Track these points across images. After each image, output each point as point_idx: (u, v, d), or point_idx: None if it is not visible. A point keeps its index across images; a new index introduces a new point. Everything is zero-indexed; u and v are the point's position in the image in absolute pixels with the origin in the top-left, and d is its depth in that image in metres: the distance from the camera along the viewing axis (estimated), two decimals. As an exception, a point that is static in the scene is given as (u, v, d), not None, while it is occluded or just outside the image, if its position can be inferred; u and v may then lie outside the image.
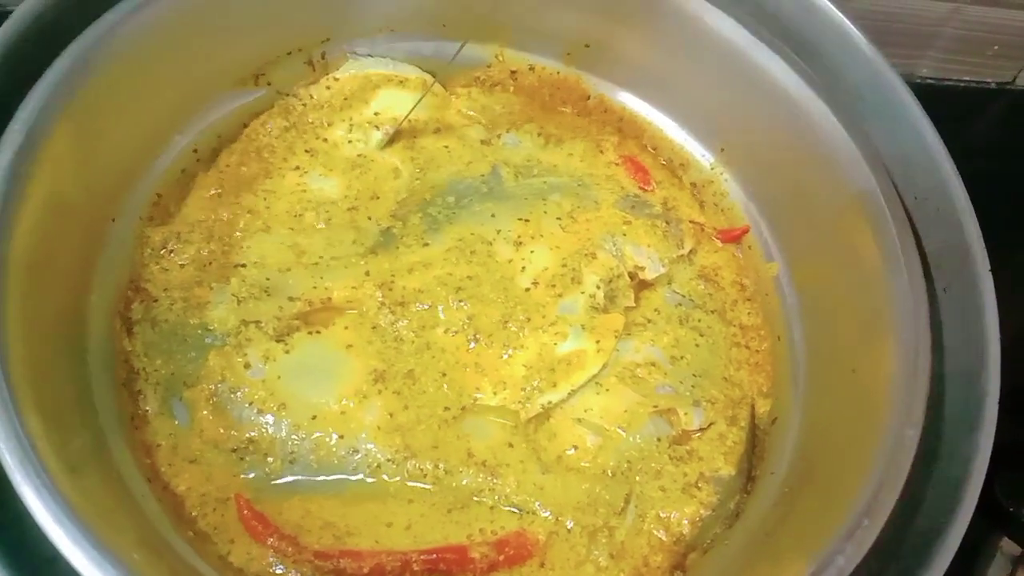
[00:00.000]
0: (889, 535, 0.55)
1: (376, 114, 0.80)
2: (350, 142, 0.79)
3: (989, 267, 0.65)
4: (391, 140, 0.79)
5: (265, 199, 0.74)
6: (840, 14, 0.73)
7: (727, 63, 0.75)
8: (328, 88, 0.80)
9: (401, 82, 0.82)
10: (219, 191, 0.74)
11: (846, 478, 0.56)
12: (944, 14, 1.06)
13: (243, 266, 0.70)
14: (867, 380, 0.62)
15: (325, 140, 0.78)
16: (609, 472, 0.66)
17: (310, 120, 0.79)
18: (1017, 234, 1.05)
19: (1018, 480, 0.85)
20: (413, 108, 0.79)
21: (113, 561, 0.47)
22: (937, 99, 1.14)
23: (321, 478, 0.63)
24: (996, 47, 1.12)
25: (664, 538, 0.64)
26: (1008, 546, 0.82)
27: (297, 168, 0.76)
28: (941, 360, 0.65)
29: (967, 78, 1.16)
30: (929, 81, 1.15)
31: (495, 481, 0.64)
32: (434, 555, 0.60)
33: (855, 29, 0.73)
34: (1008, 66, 1.15)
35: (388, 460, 0.63)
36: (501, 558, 0.61)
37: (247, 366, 0.65)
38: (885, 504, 0.53)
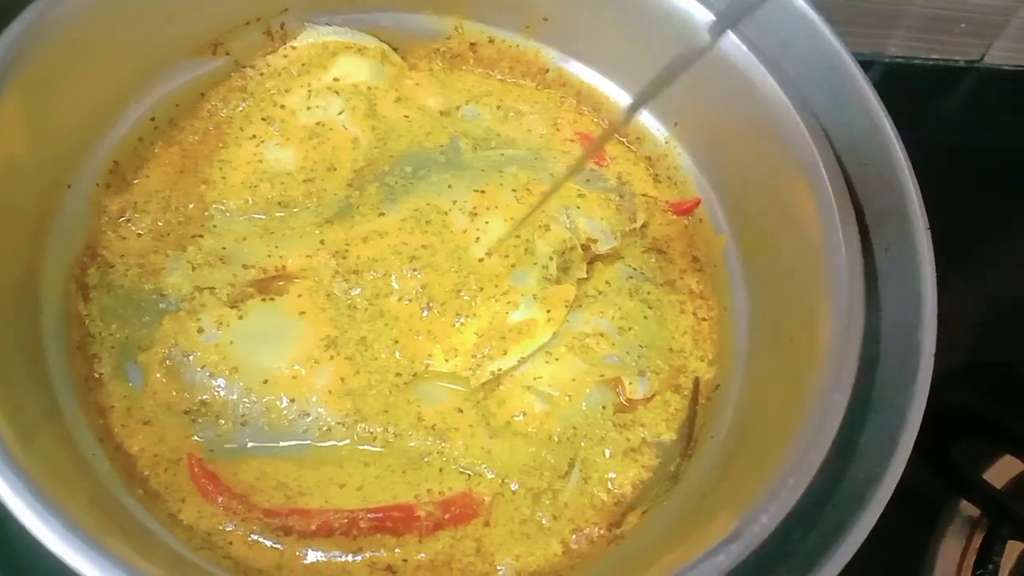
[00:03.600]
0: (824, 484, 0.57)
1: (336, 80, 0.81)
2: (309, 108, 0.79)
3: (927, 226, 0.67)
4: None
5: (221, 169, 0.74)
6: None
7: (682, 37, 0.75)
8: (285, 56, 0.80)
9: (360, 50, 0.82)
10: (176, 161, 0.74)
11: (777, 441, 0.58)
12: (911, -8, 1.07)
13: (200, 236, 0.71)
14: (803, 348, 0.63)
15: (282, 107, 0.79)
16: (555, 437, 0.67)
17: (267, 87, 0.79)
18: (986, 210, 1.07)
19: (975, 445, 0.89)
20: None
21: (62, 517, 0.48)
22: (906, 78, 1.17)
23: (273, 442, 0.64)
24: (963, 25, 1.13)
25: (606, 499, 0.66)
26: (967, 508, 0.86)
27: (254, 137, 0.76)
28: (879, 316, 0.67)
29: (935, 56, 1.17)
30: (898, 60, 1.16)
31: (443, 444, 0.65)
32: (381, 513, 0.61)
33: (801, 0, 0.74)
34: (976, 44, 1.17)
35: (338, 423, 0.65)
36: (447, 517, 0.63)
37: (200, 331, 0.66)
38: (811, 465, 0.55)
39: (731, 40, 0.73)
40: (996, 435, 0.92)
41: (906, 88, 1.16)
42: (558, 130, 0.85)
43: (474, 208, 0.75)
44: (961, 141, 1.16)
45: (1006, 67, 1.20)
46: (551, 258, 0.73)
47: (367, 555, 0.61)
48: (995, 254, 1.09)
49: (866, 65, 1.15)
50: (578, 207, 0.77)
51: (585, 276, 0.75)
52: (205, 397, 0.64)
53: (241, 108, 0.78)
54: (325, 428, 0.65)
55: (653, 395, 0.71)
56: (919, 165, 0.70)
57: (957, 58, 1.19)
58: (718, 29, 0.52)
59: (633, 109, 0.60)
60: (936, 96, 1.19)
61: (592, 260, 0.76)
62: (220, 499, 0.61)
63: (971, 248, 1.06)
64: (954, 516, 0.86)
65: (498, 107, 0.85)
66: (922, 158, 0.70)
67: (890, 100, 0.73)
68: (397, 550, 0.61)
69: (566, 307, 0.72)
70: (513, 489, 0.65)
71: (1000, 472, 0.88)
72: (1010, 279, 1.09)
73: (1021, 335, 1.01)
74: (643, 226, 0.80)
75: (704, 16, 0.74)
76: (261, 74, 0.80)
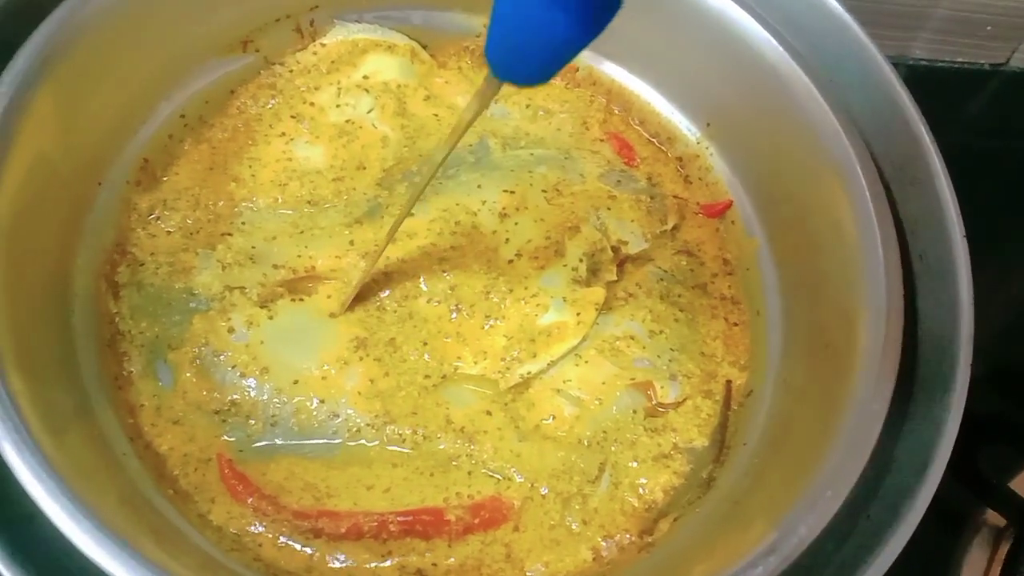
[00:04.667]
0: (859, 494, 0.56)
1: (365, 77, 0.80)
2: (338, 106, 0.79)
3: (964, 234, 0.66)
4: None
5: (251, 167, 0.74)
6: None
7: (715, 37, 0.75)
8: (315, 54, 0.80)
9: (389, 48, 0.82)
10: (206, 158, 0.74)
11: (812, 449, 0.57)
12: (937, -6, 1.06)
13: (229, 235, 0.71)
14: (839, 355, 0.62)
15: (312, 104, 0.78)
16: (585, 441, 0.67)
17: (297, 85, 0.79)
18: (1011, 215, 1.06)
19: (1002, 453, 0.87)
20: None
21: (92, 516, 0.48)
22: (931, 81, 1.16)
23: (302, 441, 0.64)
24: (989, 28, 1.12)
25: (637, 505, 0.65)
26: (993, 518, 0.84)
27: (283, 135, 0.76)
28: (915, 324, 0.66)
29: (960, 59, 1.16)
30: (922, 63, 1.15)
31: (472, 447, 0.65)
32: (410, 516, 0.61)
33: (834, 1, 0.73)
34: (1002, 47, 1.15)
35: (367, 425, 0.64)
36: (476, 521, 0.62)
37: (231, 331, 0.66)
38: (849, 476, 0.54)
39: (766, 39, 0.72)
40: (1023, 444, 0.91)
41: (930, 91, 1.14)
42: (587, 129, 0.84)
43: (504, 209, 0.74)
44: (985, 144, 1.15)
45: (1032, 71, 1.19)
46: (581, 260, 0.73)
47: (396, 559, 0.60)
48: (1018, 258, 1.08)
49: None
50: (608, 208, 0.76)
51: (615, 278, 0.74)
52: (235, 397, 0.64)
53: (271, 105, 0.78)
54: (355, 429, 0.64)
55: (684, 399, 0.70)
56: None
57: (982, 61, 1.17)
58: None
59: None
60: (960, 99, 1.18)
61: (622, 262, 0.75)
62: (250, 500, 0.60)
63: (996, 252, 1.05)
64: (980, 525, 0.85)
65: (527, 106, 0.84)
66: (945, 161, 0.69)
67: (914, 102, 0.72)
68: (427, 554, 0.60)
69: (596, 310, 0.71)
70: (543, 493, 0.64)
71: (1027, 481, 0.87)
72: (1035, 283, 1.08)
73: (1049, 340, 1.00)
74: (674, 228, 0.79)
75: (738, 14, 0.73)
76: (291, 71, 0.80)
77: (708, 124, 0.81)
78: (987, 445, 0.88)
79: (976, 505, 0.85)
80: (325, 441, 0.64)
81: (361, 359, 0.66)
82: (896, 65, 1.14)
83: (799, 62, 0.71)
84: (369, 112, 0.79)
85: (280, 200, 0.73)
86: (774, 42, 0.72)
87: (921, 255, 0.69)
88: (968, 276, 0.65)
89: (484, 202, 0.74)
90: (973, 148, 1.12)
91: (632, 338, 0.71)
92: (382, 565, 0.60)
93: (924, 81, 1.15)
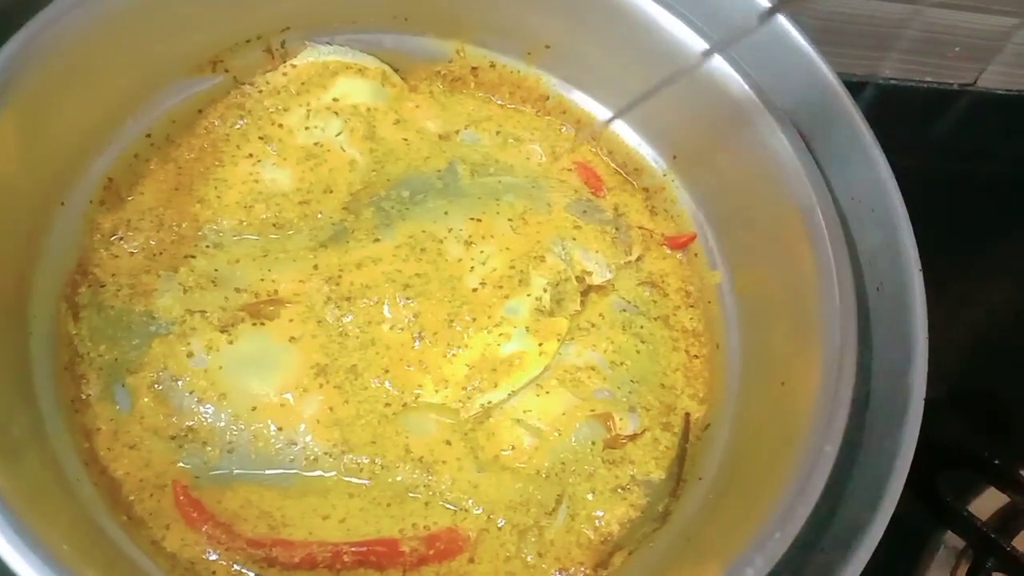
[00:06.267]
0: (812, 527, 0.57)
1: (335, 100, 0.80)
2: (307, 128, 0.78)
3: (920, 267, 0.67)
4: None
5: (216, 188, 0.74)
6: (782, 16, 0.74)
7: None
8: (285, 75, 0.79)
9: (360, 71, 0.82)
10: (171, 179, 0.74)
11: (764, 488, 0.58)
12: (905, 16, 1.08)
13: (192, 256, 0.70)
14: (794, 393, 0.63)
15: (280, 126, 0.78)
16: (543, 473, 0.67)
17: (266, 106, 0.78)
18: (976, 235, 1.08)
19: (961, 477, 0.89)
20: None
21: (40, 548, 0.48)
22: (899, 100, 1.18)
23: (259, 470, 0.64)
24: (957, 48, 1.15)
25: (593, 537, 0.66)
26: (952, 540, 0.86)
27: (250, 156, 0.76)
28: (870, 356, 0.67)
29: (929, 79, 1.19)
30: (892, 82, 1.18)
31: (430, 478, 0.65)
32: (364, 547, 0.61)
33: (796, 32, 0.74)
34: (969, 67, 1.18)
35: (325, 454, 0.64)
36: (431, 552, 0.62)
37: (190, 355, 0.65)
38: (798, 517, 0.55)
39: (731, 75, 0.73)
40: (981, 467, 0.93)
41: (899, 110, 1.18)
42: (557, 158, 0.85)
43: (469, 237, 0.74)
44: (952, 164, 1.17)
45: (999, 91, 1.22)
46: (545, 289, 0.73)
47: (350, 590, 0.60)
48: (982, 280, 1.10)
49: (860, 86, 1.17)
50: (574, 239, 0.77)
51: (579, 309, 0.75)
52: (192, 423, 0.64)
53: (239, 126, 0.78)
54: (312, 458, 0.64)
55: (643, 431, 0.70)
56: (909, 188, 0.70)
57: (951, 81, 1.20)
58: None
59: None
60: (929, 118, 1.21)
61: (586, 292, 0.76)
62: (204, 527, 0.60)
63: (958, 274, 1.07)
64: (939, 547, 0.87)
65: (497, 132, 0.84)
66: (912, 181, 0.71)
67: (883, 122, 0.73)
68: (380, 586, 0.61)
69: (558, 340, 0.72)
70: (499, 525, 0.65)
71: (986, 503, 0.89)
72: (998, 305, 1.09)
73: (1007, 363, 1.01)
74: (638, 259, 0.80)
75: (704, 49, 0.74)
76: (260, 92, 0.79)
77: (674, 157, 0.81)
78: (947, 469, 0.90)
79: (936, 527, 0.87)
80: (282, 470, 0.64)
81: (321, 386, 0.66)
82: (865, 84, 1.18)
83: (762, 98, 0.72)
84: (338, 135, 0.79)
85: (245, 222, 0.73)
86: (738, 78, 0.72)
87: (879, 286, 0.70)
88: (923, 307, 0.66)
89: (450, 230, 0.74)
90: (941, 167, 1.14)
91: (593, 369, 0.72)
92: (335, 596, 0.60)
93: (893, 100, 1.17)
